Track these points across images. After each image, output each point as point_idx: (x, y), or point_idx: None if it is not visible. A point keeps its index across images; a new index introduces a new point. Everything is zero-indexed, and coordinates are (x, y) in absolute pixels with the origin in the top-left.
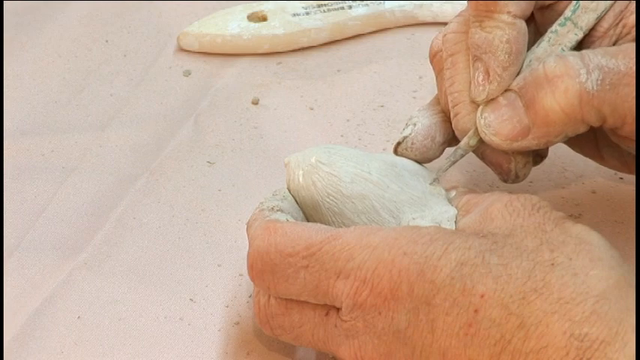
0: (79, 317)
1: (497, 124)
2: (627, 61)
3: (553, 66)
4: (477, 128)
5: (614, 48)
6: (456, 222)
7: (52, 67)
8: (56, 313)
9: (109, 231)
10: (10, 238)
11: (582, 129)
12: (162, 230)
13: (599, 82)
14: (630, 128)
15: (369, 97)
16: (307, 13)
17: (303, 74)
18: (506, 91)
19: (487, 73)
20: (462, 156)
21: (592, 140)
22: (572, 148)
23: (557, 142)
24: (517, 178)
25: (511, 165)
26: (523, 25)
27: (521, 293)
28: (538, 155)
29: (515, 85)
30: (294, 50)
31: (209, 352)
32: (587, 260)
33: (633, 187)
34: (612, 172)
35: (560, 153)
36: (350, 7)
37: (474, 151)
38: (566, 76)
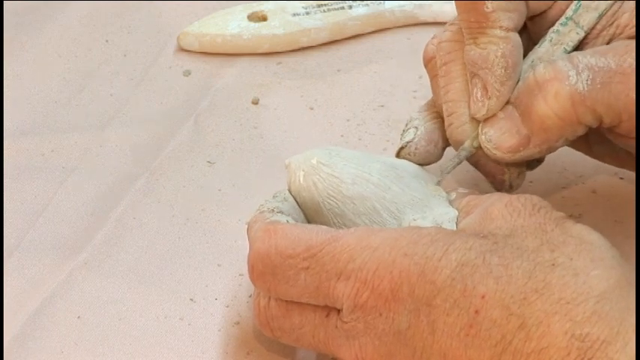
0: (79, 317)
1: (498, 138)
2: (617, 58)
3: (542, 72)
4: (478, 132)
5: (605, 47)
6: (456, 223)
7: (52, 67)
8: (56, 313)
9: (109, 231)
10: (10, 238)
11: (581, 131)
12: (162, 230)
13: (589, 81)
14: (627, 126)
15: (369, 97)
16: (307, 13)
17: (303, 74)
18: None
19: (485, 89)
20: (466, 157)
21: (583, 137)
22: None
23: (559, 147)
24: (511, 189)
25: (505, 176)
26: (517, 37)
27: (522, 294)
28: (535, 159)
29: (511, 96)
30: (294, 50)
31: (209, 352)
32: (588, 260)
33: (633, 187)
34: (612, 172)
35: (560, 153)
36: (350, 7)
37: (467, 160)
38: (555, 80)
